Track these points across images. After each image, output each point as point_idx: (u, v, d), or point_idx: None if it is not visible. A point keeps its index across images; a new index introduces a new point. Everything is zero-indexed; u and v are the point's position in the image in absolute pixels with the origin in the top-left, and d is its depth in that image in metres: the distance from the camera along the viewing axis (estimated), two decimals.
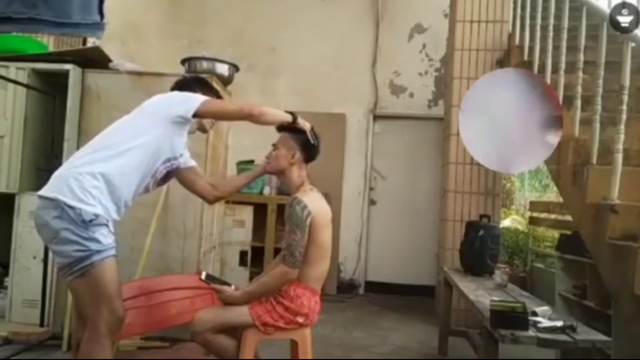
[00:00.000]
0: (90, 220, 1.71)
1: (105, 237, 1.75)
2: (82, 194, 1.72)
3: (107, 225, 1.77)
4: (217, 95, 2.15)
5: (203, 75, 2.66)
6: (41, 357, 2.78)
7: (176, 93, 2.03)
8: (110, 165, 1.79)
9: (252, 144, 4.40)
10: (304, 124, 2.04)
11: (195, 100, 1.92)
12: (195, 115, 1.92)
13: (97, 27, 2.44)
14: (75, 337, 1.98)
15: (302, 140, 2.05)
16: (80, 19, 2.38)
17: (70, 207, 1.70)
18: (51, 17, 2.31)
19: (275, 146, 2.10)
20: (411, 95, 5.36)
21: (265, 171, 2.17)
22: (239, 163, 4.56)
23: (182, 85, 2.11)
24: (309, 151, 2.07)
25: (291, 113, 2.03)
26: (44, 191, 1.77)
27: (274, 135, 2.14)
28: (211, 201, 2.28)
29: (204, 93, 2.05)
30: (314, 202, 1.96)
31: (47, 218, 1.72)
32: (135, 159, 1.85)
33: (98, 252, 1.72)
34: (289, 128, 2.06)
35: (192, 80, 2.20)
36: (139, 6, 5.07)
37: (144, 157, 1.87)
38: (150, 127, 1.88)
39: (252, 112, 1.93)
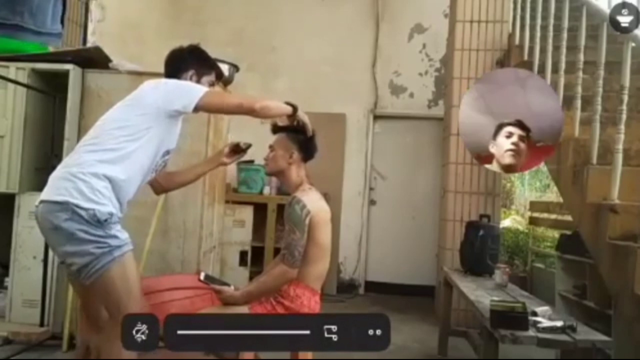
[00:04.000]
0: (106, 220, 1.68)
1: (122, 232, 1.73)
2: (93, 195, 1.68)
3: (119, 222, 1.74)
4: (213, 67, 2.06)
5: None
6: (41, 357, 2.78)
7: (174, 84, 1.91)
8: (115, 167, 1.74)
9: (252, 143, 4.41)
10: (303, 116, 2.00)
11: (195, 93, 1.84)
12: (194, 110, 1.85)
13: (59, 36, 2.51)
14: (83, 340, 1.90)
15: (300, 140, 2.04)
16: (51, 29, 2.43)
17: (83, 209, 1.65)
18: (32, 25, 2.37)
19: (272, 147, 2.09)
20: (411, 95, 5.36)
21: (267, 174, 2.18)
22: (239, 163, 4.56)
23: (179, 59, 2.01)
24: (307, 150, 2.06)
25: (291, 104, 1.98)
26: (49, 195, 1.70)
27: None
28: (158, 193, 2.21)
29: (200, 70, 1.99)
30: (312, 201, 1.96)
31: (57, 222, 1.65)
32: (139, 160, 1.81)
33: (118, 247, 1.69)
34: (285, 128, 2.06)
35: (189, 53, 2.04)
36: (139, 6, 5.07)
37: (148, 156, 1.83)
38: (150, 123, 1.81)
39: (253, 107, 1.86)
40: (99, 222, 1.66)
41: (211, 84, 2.04)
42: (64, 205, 1.65)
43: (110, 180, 1.73)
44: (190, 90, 1.86)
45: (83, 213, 1.65)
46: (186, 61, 2.00)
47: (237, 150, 2.14)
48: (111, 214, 1.70)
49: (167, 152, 1.94)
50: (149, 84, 1.91)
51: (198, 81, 1.98)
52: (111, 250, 1.67)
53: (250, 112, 1.87)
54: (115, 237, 1.69)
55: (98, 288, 1.70)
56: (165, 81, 1.93)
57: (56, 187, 1.71)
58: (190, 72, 1.99)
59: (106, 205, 1.70)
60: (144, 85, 1.91)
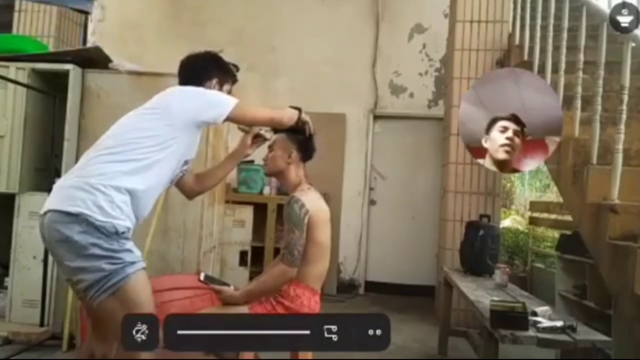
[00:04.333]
0: (123, 232, 1.61)
1: (135, 248, 1.65)
2: (112, 210, 1.59)
3: (131, 240, 1.67)
4: (232, 74, 2.07)
5: None
6: (41, 357, 2.78)
7: (203, 93, 1.84)
8: (136, 179, 1.66)
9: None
10: (305, 116, 2.02)
11: (226, 105, 1.79)
12: (224, 120, 1.83)
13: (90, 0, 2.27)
14: (88, 347, 1.81)
15: (298, 140, 2.05)
16: None
17: (100, 221, 1.56)
18: None
19: (271, 148, 2.10)
20: (411, 95, 5.36)
21: (267, 174, 2.18)
22: (239, 163, 4.56)
23: (201, 67, 1.95)
24: (306, 150, 2.07)
25: (296, 108, 2.02)
26: (60, 205, 1.58)
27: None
28: (191, 198, 2.19)
29: (222, 78, 1.97)
30: (311, 200, 1.96)
31: (70, 233, 1.55)
32: (162, 171, 1.75)
33: (132, 263, 1.60)
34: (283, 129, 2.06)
35: (211, 61, 2.00)
36: (139, 6, 5.07)
37: (170, 167, 1.78)
38: (177, 133, 1.74)
39: (282, 120, 1.92)
40: (117, 234, 1.59)
41: (228, 92, 2.01)
42: (78, 217, 1.56)
43: (131, 193, 1.65)
44: (221, 101, 1.82)
45: (99, 225, 1.56)
46: (209, 69, 1.95)
47: (257, 139, 2.12)
48: (128, 229, 1.64)
49: (186, 162, 1.88)
50: (175, 92, 1.83)
51: (220, 89, 1.95)
52: (124, 267, 1.58)
53: (279, 124, 1.95)
54: (129, 251, 1.62)
55: (106, 308, 1.58)
56: (195, 90, 1.86)
57: (70, 197, 1.59)
58: (214, 80, 1.95)
59: (124, 221, 1.63)
60: (171, 94, 1.82)
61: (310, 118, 2.03)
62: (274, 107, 2.01)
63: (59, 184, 1.68)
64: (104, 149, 1.70)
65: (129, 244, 1.63)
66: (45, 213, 1.61)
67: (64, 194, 1.62)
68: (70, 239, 1.55)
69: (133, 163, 1.67)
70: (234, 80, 2.07)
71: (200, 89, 1.87)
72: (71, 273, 1.60)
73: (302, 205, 1.91)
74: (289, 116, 1.94)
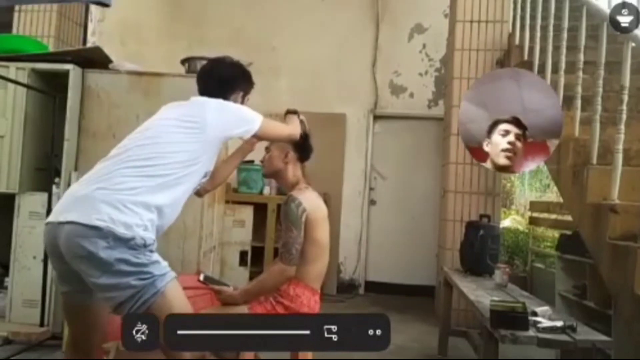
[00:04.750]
0: (150, 244, 1.55)
1: (161, 259, 1.59)
2: (138, 229, 1.52)
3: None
4: (253, 86, 2.06)
5: None
6: (41, 357, 2.78)
7: (231, 108, 1.83)
8: (163, 194, 1.62)
9: None
10: (300, 117, 2.06)
11: (254, 122, 1.81)
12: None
13: None
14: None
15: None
16: None
17: (128, 235, 1.50)
18: None
19: (268, 149, 2.11)
20: (411, 95, 5.36)
21: (265, 175, 2.19)
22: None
23: (228, 78, 1.93)
24: (302, 150, 2.08)
25: (294, 112, 2.06)
26: (84, 217, 1.49)
27: None
28: (202, 196, 2.23)
29: (247, 90, 1.98)
30: (309, 199, 1.97)
31: (94, 249, 1.46)
32: (188, 186, 1.72)
33: (161, 276, 1.54)
34: None
35: (238, 74, 1.97)
36: (139, 6, 5.07)
37: (194, 182, 1.76)
38: (207, 149, 1.74)
39: (297, 136, 1.98)
40: (144, 247, 1.53)
41: (246, 102, 2.03)
42: (103, 231, 1.47)
43: (158, 210, 1.61)
44: (251, 118, 1.82)
45: (127, 238, 1.49)
46: (237, 81, 1.95)
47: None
48: (154, 240, 1.59)
49: (205, 174, 1.86)
50: (211, 106, 1.79)
51: (242, 102, 1.96)
52: (154, 281, 1.51)
53: (295, 139, 2.00)
54: (157, 262, 1.56)
55: None
56: (228, 104, 1.85)
57: (95, 210, 1.50)
58: (241, 93, 1.96)
59: (150, 232, 1.58)
60: (206, 105, 1.79)
61: (306, 118, 2.06)
62: (274, 108, 2.02)
63: (75, 193, 1.59)
64: (129, 160, 1.62)
65: (155, 256, 1.57)
66: (61, 223, 1.52)
67: (87, 205, 1.52)
68: (95, 255, 1.46)
69: (160, 178, 1.61)
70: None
71: (231, 103, 1.87)
72: (97, 290, 1.53)
73: (300, 204, 1.92)
74: (297, 126, 1.99)
